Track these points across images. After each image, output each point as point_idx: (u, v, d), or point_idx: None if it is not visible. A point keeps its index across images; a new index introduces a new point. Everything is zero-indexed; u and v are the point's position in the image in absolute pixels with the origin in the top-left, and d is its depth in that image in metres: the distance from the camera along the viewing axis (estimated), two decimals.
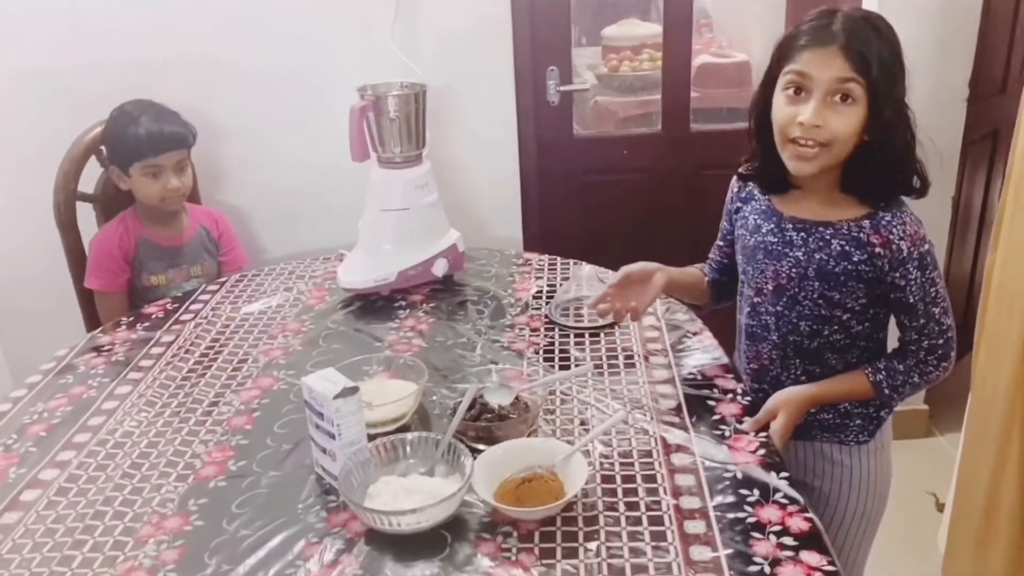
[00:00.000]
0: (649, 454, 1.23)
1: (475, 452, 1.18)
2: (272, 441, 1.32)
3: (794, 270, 1.29)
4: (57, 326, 1.93)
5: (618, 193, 2.44)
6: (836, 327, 1.30)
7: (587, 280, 1.70)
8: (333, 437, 1.16)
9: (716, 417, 1.31)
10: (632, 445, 1.25)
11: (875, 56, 1.15)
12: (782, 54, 1.22)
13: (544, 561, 1.04)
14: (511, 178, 2.29)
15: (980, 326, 1.55)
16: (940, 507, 2.14)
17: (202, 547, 1.10)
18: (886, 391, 1.29)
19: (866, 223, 1.23)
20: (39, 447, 1.32)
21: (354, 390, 1.16)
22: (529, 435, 1.27)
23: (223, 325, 1.71)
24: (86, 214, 2.02)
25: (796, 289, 1.29)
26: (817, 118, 1.17)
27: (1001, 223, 1.46)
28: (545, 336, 1.60)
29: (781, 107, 1.22)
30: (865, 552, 1.43)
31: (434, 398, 1.40)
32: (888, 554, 1.48)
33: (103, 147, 1.95)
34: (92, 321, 1.97)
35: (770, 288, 1.32)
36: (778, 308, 1.32)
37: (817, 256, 1.26)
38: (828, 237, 1.26)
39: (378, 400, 1.30)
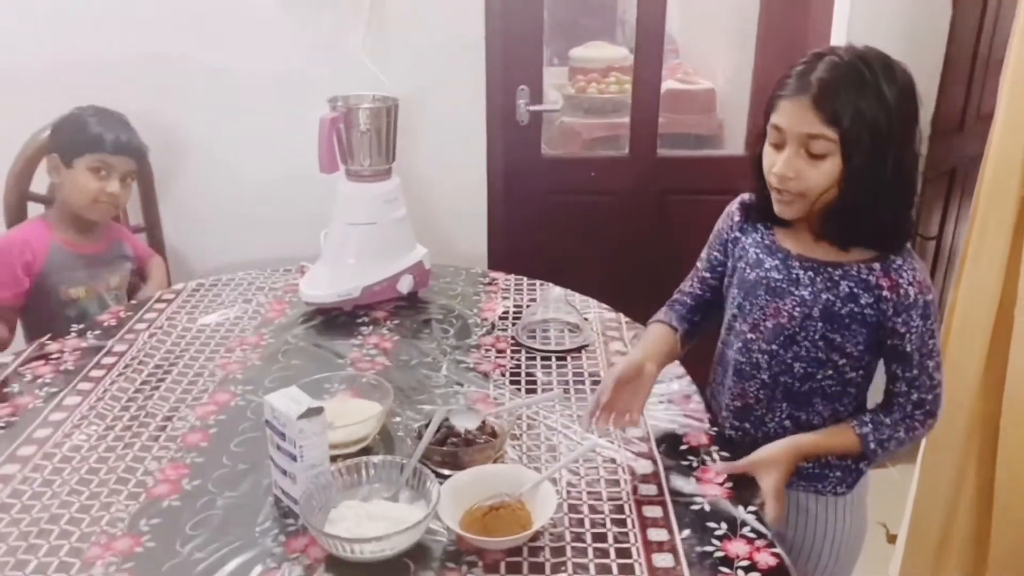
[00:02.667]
0: (617, 483, 1.22)
1: (440, 477, 1.16)
2: (228, 460, 1.27)
3: (797, 309, 1.24)
4: None
5: (584, 214, 2.43)
6: (830, 371, 1.26)
7: (555, 302, 1.69)
8: (295, 459, 1.13)
9: (684, 447, 1.30)
10: (600, 474, 1.24)
11: (850, 109, 1.11)
12: (770, 99, 1.20)
13: None
14: (478, 195, 2.28)
15: None
16: (891, 538, 2.17)
17: (154, 570, 1.05)
18: (871, 445, 1.23)
19: (876, 265, 1.20)
20: None
21: (319, 411, 1.13)
22: (495, 461, 1.25)
23: (179, 336, 1.65)
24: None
25: (796, 329, 1.25)
26: (788, 170, 1.16)
27: (964, 263, 1.49)
28: (512, 358, 1.58)
29: (766, 154, 1.21)
30: None
31: (397, 419, 1.37)
32: None
33: (51, 133, 1.83)
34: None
35: (768, 326, 1.28)
36: (773, 347, 1.28)
37: (824, 296, 1.22)
38: (837, 278, 1.22)
39: (340, 420, 1.27)
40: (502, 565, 1.06)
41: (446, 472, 1.19)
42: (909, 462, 2.44)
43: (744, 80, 2.48)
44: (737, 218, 1.36)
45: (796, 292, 1.25)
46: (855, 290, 1.21)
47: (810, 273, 1.24)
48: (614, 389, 1.21)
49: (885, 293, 1.19)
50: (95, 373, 1.51)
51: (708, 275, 1.41)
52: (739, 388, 1.34)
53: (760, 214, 1.31)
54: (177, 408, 1.41)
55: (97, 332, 1.66)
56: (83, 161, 1.76)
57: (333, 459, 1.18)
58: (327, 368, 1.52)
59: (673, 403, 1.42)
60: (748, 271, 1.31)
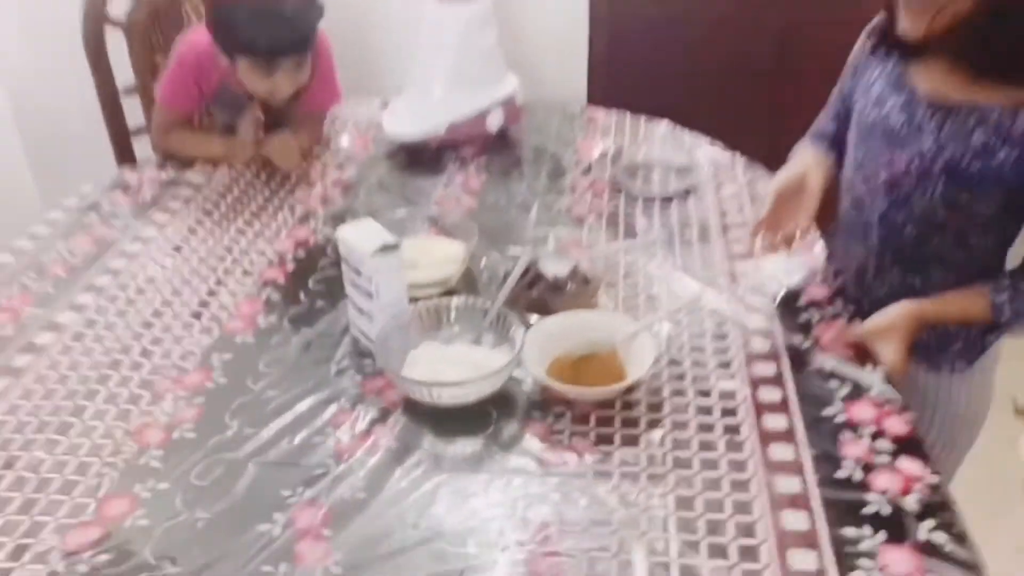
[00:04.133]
0: (724, 337, 1.09)
1: (527, 324, 1.05)
2: (306, 297, 1.20)
3: (915, 163, 1.03)
4: (89, 159, 1.81)
5: (699, 46, 2.18)
6: (949, 237, 1.05)
7: (660, 141, 1.52)
8: (371, 297, 1.04)
9: (803, 301, 1.15)
10: (705, 327, 1.11)
11: None
12: None
13: (601, 448, 0.92)
14: (578, 21, 2.06)
15: None
16: (1021, 412, 2.00)
17: (223, 407, 0.99)
18: (1007, 315, 1.02)
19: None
20: (57, 288, 1.22)
21: (395, 246, 1.03)
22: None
23: (258, 169, 1.57)
24: (117, 44, 1.86)
25: (912, 187, 1.05)
26: None
27: None
28: (609, 202, 1.43)
29: None
30: (947, 480, 1.25)
31: (483, 263, 1.26)
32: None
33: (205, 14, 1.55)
34: (124, 159, 1.85)
35: (881, 180, 1.09)
36: (884, 206, 1.09)
37: (950, 148, 1.00)
38: (971, 125, 0.98)
39: (422, 260, 1.17)
40: (592, 418, 0.96)
41: (533, 320, 1.08)
42: None
43: None
44: (868, 42, 1.13)
45: (916, 141, 1.03)
46: (991, 142, 0.97)
47: (937, 118, 1.01)
48: (775, 204, 1.12)
49: None
50: (173, 205, 1.45)
51: (840, 108, 1.21)
52: (848, 249, 1.17)
53: (887, 40, 1.07)
54: (255, 242, 1.34)
55: (175, 163, 1.59)
56: (242, 61, 1.46)
57: (414, 300, 1.09)
58: (411, 206, 1.42)
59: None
60: (868, 110, 1.10)
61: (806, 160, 1.18)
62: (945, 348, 1.14)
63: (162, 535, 0.84)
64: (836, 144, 1.21)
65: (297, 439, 0.95)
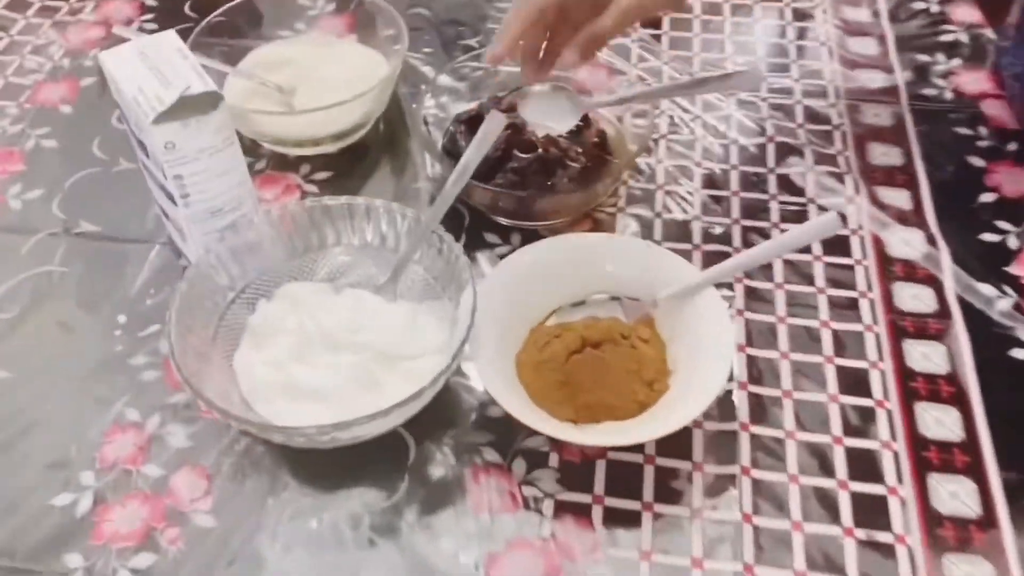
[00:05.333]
0: (847, 281, 0.59)
1: (489, 236, 0.55)
2: (103, 150, 0.68)
3: None
4: None
5: None
6: None
7: None
8: (173, 200, 0.52)
9: (987, 199, 0.64)
10: (811, 252, 0.61)
11: None
12: None
13: (615, 548, 0.46)
14: None
15: None
16: None
17: None
18: None
19: None
20: None
21: (211, 100, 0.49)
22: (595, 209, 0.62)
23: None
24: None
25: None
26: None
27: None
28: None
29: None
30: None
31: (424, 101, 0.72)
32: None
33: None
34: None
35: None
36: None
37: None
38: None
39: (308, 95, 0.65)
40: (599, 469, 0.50)
41: (503, 223, 0.58)
42: None
43: None
44: None
45: None
46: None
47: None
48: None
49: None
50: None
51: None
52: None
53: None
54: (31, 34, 0.78)
55: None
56: None
57: (287, 164, 0.59)
58: None
59: (962, 92, 0.72)
60: None
61: None
62: None
63: None
64: None
65: (32, 500, 0.48)
